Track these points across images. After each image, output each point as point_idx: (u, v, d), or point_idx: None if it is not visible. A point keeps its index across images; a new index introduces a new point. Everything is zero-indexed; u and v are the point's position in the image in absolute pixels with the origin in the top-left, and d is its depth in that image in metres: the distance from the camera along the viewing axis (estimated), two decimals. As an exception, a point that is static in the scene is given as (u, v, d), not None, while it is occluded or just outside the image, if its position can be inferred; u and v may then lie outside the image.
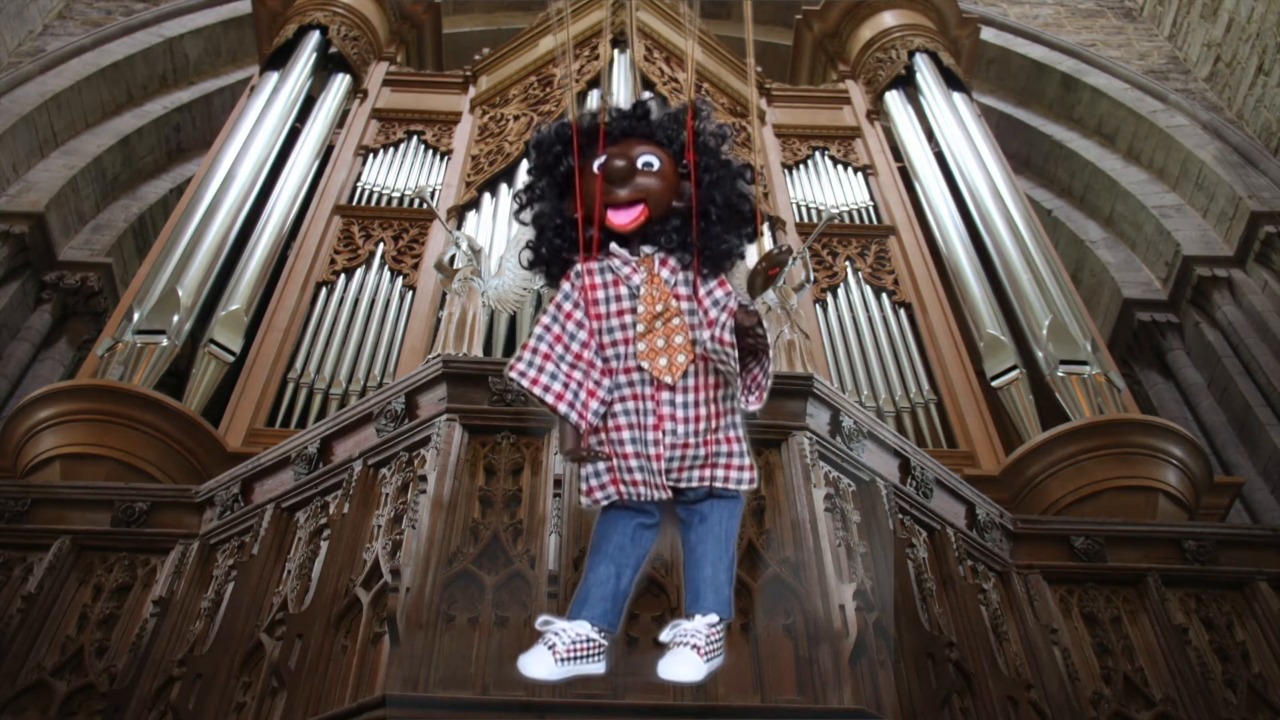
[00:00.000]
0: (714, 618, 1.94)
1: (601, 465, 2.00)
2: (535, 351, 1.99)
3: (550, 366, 1.98)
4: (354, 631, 2.60)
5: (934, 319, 4.98)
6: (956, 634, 2.90)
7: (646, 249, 2.04)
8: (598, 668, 1.96)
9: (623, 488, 1.98)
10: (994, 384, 4.54)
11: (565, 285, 2.06)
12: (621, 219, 2.01)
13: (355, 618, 2.63)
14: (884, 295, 5.20)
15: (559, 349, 2.00)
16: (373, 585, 2.63)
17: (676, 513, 2.04)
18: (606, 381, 2.00)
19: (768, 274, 1.91)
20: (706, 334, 1.97)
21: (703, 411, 1.97)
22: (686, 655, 1.89)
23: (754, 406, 1.98)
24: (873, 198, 5.96)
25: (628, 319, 2.00)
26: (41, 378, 5.57)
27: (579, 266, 2.05)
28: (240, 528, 3.31)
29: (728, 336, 1.92)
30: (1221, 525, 4.13)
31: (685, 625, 1.92)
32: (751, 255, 2.13)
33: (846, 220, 5.72)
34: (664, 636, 1.94)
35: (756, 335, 1.93)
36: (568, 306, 2.04)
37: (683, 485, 1.98)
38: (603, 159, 2.03)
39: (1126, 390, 4.55)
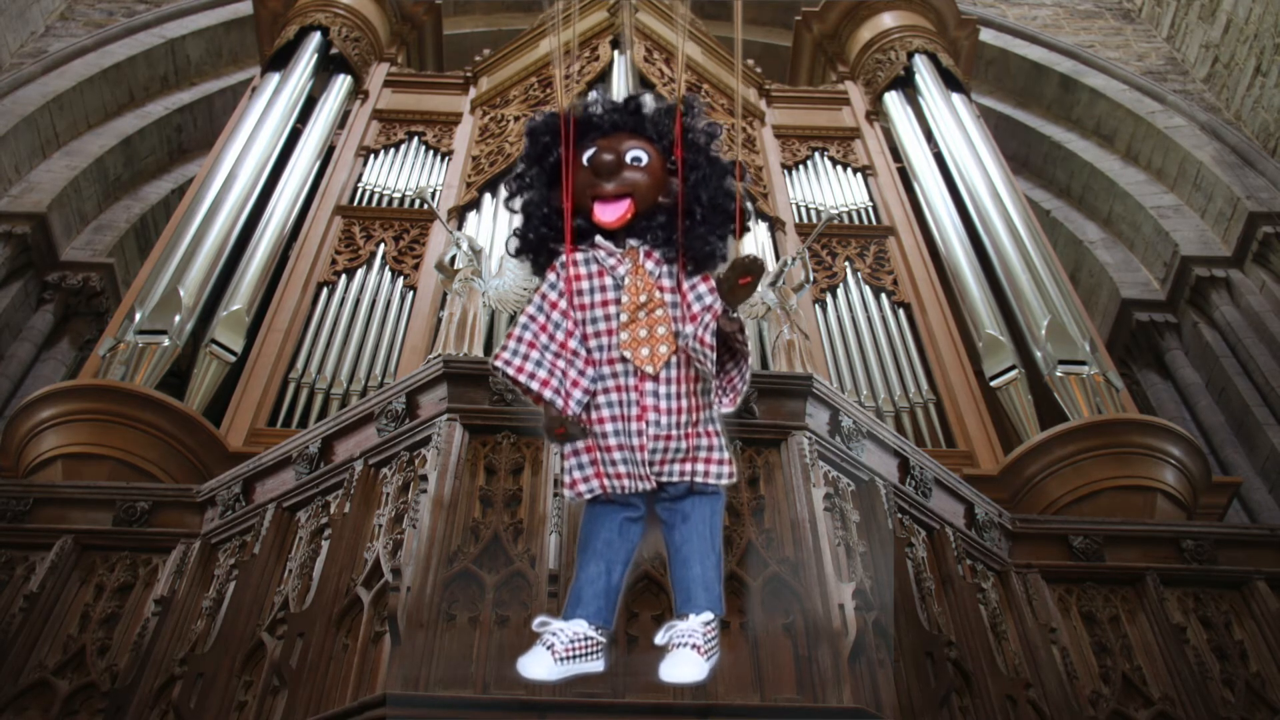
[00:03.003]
0: (708, 615, 1.93)
1: (585, 458, 2.00)
2: (520, 340, 2.00)
3: (535, 354, 1.98)
4: (355, 631, 2.61)
5: (933, 319, 4.99)
6: (955, 633, 2.91)
7: (632, 241, 2.05)
8: (597, 666, 1.96)
9: (606, 481, 1.99)
10: (993, 384, 4.56)
11: (550, 275, 2.07)
12: (608, 216, 2.01)
13: (356, 617, 2.64)
14: (883, 295, 5.21)
15: (544, 338, 2.00)
16: (374, 584, 2.65)
17: (658, 514, 2.04)
18: (590, 371, 2.00)
19: (737, 283, 1.90)
20: (689, 328, 1.98)
21: (684, 404, 1.98)
22: (688, 655, 1.88)
23: (728, 408, 2.00)
24: (872, 198, 5.97)
25: (612, 309, 2.01)
26: (43, 378, 5.58)
27: (564, 257, 2.05)
28: (241, 527, 3.32)
29: (708, 338, 1.93)
30: (1219, 525, 4.14)
31: (681, 626, 1.92)
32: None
33: (846, 221, 5.73)
34: (660, 639, 1.94)
35: (737, 341, 1.95)
36: (553, 296, 2.04)
37: (664, 479, 1.99)
38: (592, 151, 2.04)
39: (1125, 390, 4.56)
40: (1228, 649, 3.28)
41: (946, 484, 3.43)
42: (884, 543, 2.93)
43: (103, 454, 3.88)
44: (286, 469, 3.35)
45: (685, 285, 2.01)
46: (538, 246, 2.11)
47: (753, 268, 1.88)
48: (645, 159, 2.04)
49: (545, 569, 2.58)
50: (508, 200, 2.18)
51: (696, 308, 1.99)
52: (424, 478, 2.79)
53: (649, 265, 2.03)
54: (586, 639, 1.93)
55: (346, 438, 3.31)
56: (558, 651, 1.90)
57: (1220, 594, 3.45)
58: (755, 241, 5.21)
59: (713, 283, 2.03)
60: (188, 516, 3.50)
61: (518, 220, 2.16)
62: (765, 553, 2.67)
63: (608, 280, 2.03)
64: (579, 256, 2.05)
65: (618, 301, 2.01)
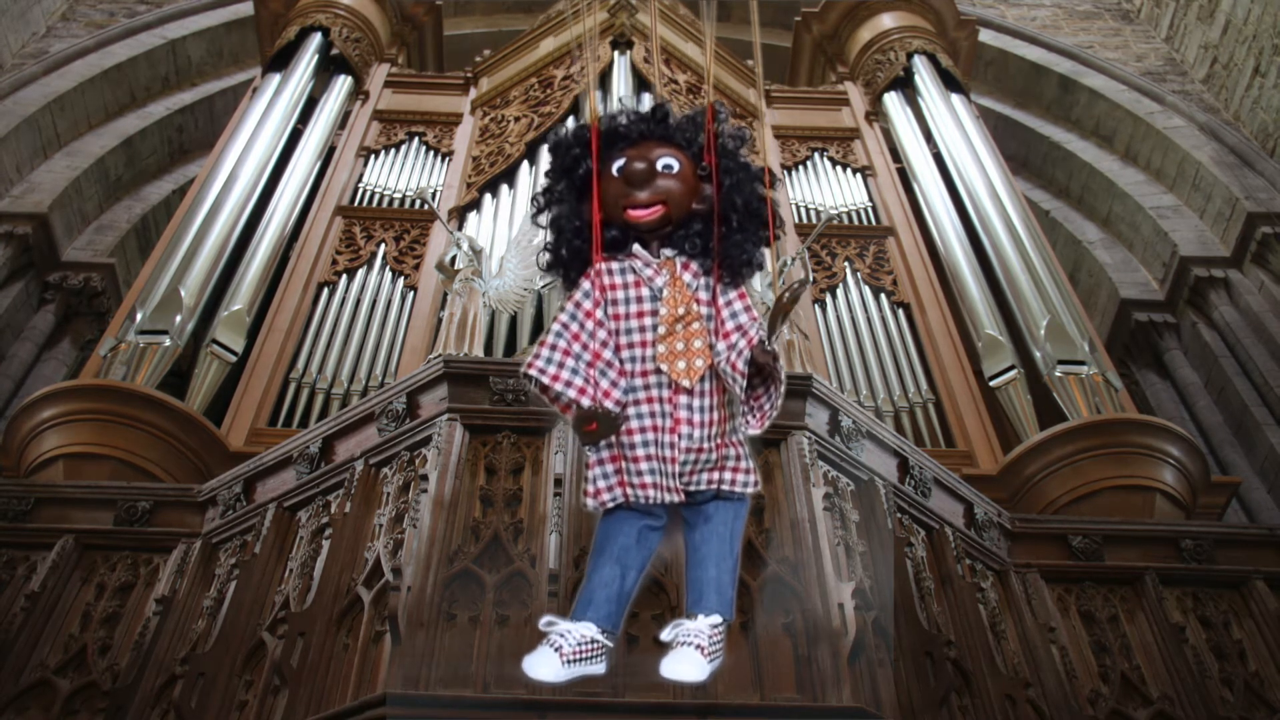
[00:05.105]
0: (716, 618, 1.94)
1: (610, 467, 1.99)
2: (554, 348, 1.98)
3: (571, 362, 1.96)
4: (355, 630, 2.62)
5: (932, 319, 5.00)
6: (955, 632, 2.91)
7: (667, 252, 2.04)
8: (600, 668, 1.95)
9: (630, 490, 1.97)
10: (992, 384, 4.56)
11: (585, 284, 2.05)
12: (641, 213, 2.01)
13: (357, 616, 2.65)
14: (882, 296, 5.22)
15: (577, 347, 1.98)
16: (374, 584, 2.65)
17: (681, 513, 2.03)
18: (623, 383, 1.98)
19: (786, 311, 1.95)
20: (722, 344, 1.97)
21: (715, 416, 1.98)
22: (690, 655, 1.89)
23: (754, 430, 1.99)
24: (871, 199, 5.98)
25: (647, 321, 2.00)
26: (45, 378, 5.59)
27: (599, 265, 2.04)
28: (242, 527, 3.32)
29: (741, 365, 1.93)
30: (1218, 524, 4.15)
31: (687, 625, 1.92)
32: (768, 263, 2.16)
33: (845, 221, 5.74)
34: (665, 636, 1.94)
35: (775, 372, 1.95)
36: (587, 305, 2.02)
37: (692, 488, 1.99)
38: (622, 161, 2.03)
39: (1124, 390, 4.57)
40: (1226, 648, 3.28)
41: (946, 484, 3.44)
42: (883, 542, 2.94)
43: (104, 454, 3.88)
44: (287, 469, 3.35)
45: (720, 300, 2.01)
46: (570, 260, 2.10)
47: (799, 292, 1.95)
48: (676, 166, 2.03)
49: (545, 568, 2.59)
50: (535, 215, 2.16)
51: (730, 325, 1.98)
52: (424, 477, 2.79)
53: (686, 277, 2.02)
54: (593, 642, 1.92)
55: (347, 437, 3.31)
56: (565, 653, 1.89)
57: (1219, 594, 3.46)
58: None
59: (749, 301, 2.03)
60: (189, 516, 3.50)
61: (530, 233, 2.16)
62: (765, 552, 2.68)
63: (644, 291, 2.02)
64: (614, 265, 2.04)
65: (655, 313, 1.99)
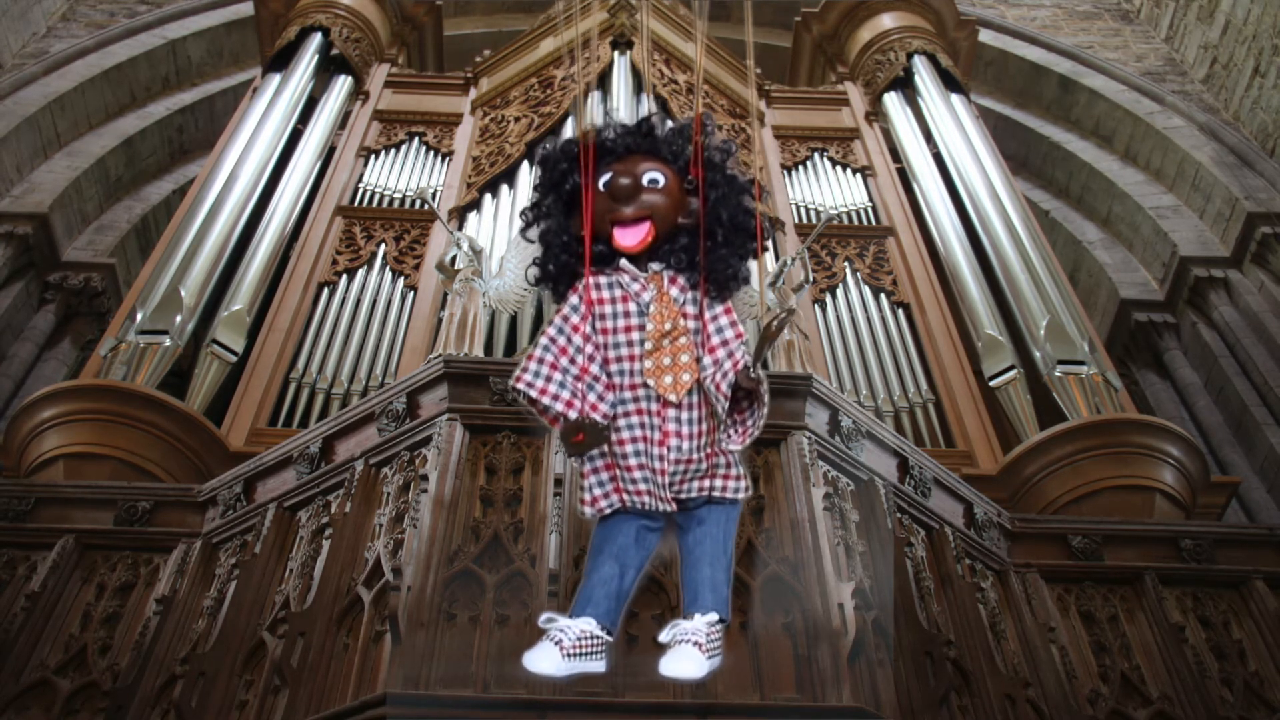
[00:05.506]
0: (713, 616, 1.95)
1: (604, 475, 2.01)
2: (542, 362, 1.99)
3: (558, 376, 1.98)
4: (356, 630, 2.62)
5: (932, 319, 5.00)
6: (955, 632, 2.91)
7: (655, 266, 2.05)
8: (599, 666, 1.97)
9: (626, 496, 1.99)
10: (992, 384, 4.57)
11: (573, 298, 2.06)
12: (629, 240, 2.01)
13: (357, 616, 2.65)
14: (882, 296, 5.22)
15: (564, 360, 1.99)
16: (374, 584, 2.66)
17: (675, 519, 2.05)
18: (610, 396, 2.00)
19: (772, 338, 1.95)
20: (708, 359, 1.98)
21: (703, 427, 1.99)
22: (688, 652, 1.90)
23: (734, 446, 2.00)
24: (871, 199, 5.98)
25: (635, 335, 2.01)
26: (45, 378, 5.60)
27: (587, 280, 2.05)
28: (242, 527, 3.32)
29: (725, 387, 1.94)
30: (1218, 524, 4.15)
31: (685, 625, 1.94)
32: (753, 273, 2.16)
33: (845, 221, 5.74)
34: (663, 637, 1.95)
35: (759, 395, 1.96)
36: (574, 319, 2.03)
37: (683, 496, 2.01)
38: (608, 176, 2.03)
39: (1123, 390, 4.57)
40: (1226, 648, 3.29)
41: (946, 484, 3.44)
42: (883, 542, 2.94)
43: (104, 454, 3.89)
44: (287, 469, 3.36)
45: (707, 315, 2.02)
46: (558, 275, 2.11)
47: (785, 321, 1.95)
48: (662, 180, 2.03)
49: (545, 568, 2.59)
50: (524, 230, 2.17)
51: (715, 340, 2.00)
52: (424, 477, 2.79)
53: (674, 292, 2.03)
54: (593, 638, 1.93)
55: (347, 437, 3.31)
56: (565, 647, 1.90)
57: (1219, 593, 3.46)
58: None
59: (734, 316, 2.03)
60: (189, 516, 3.51)
61: (536, 250, 2.16)
62: (765, 552, 2.68)
63: (632, 306, 2.02)
64: (601, 280, 2.04)
65: (642, 328, 2.00)
